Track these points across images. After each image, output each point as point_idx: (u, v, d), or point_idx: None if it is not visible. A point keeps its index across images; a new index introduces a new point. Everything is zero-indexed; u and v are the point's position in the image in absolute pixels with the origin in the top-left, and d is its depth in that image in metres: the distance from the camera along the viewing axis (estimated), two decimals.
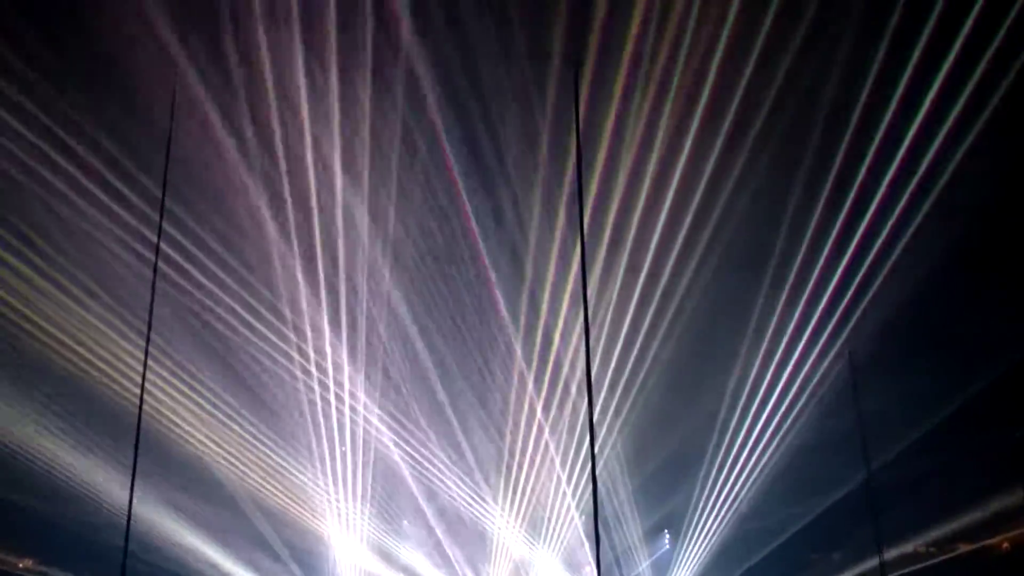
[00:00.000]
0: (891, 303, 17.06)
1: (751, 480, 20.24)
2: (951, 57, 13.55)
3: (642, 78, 14.66)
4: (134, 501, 12.74)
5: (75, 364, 18.56)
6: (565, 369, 19.39)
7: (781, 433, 19.55)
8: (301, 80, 15.40)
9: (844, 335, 18.11)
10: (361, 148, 16.38)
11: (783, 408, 19.33)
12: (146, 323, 13.59)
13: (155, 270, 14.07)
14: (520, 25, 14.55)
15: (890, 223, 16.04)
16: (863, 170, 15.48)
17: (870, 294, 17.18)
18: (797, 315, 17.88)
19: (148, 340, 13.61)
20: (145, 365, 13.52)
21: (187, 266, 17.58)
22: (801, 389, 19.00)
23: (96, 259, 17.22)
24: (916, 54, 13.70)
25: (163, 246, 14.55)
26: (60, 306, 17.83)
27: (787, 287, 17.52)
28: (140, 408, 13.27)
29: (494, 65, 14.87)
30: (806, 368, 18.70)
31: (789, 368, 18.77)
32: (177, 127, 14.02)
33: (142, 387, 13.36)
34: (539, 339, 19.30)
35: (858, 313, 17.55)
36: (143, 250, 16.33)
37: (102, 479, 19.80)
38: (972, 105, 13.98)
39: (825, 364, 18.64)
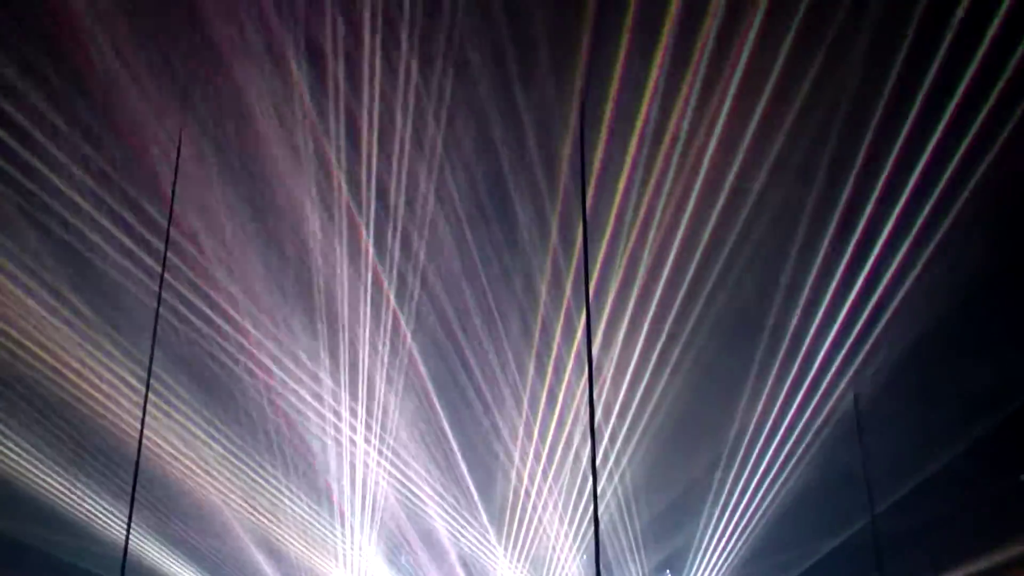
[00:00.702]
0: (897, 345, 17.01)
1: (753, 523, 20.10)
2: (952, 103, 13.66)
3: (648, 147, 14.99)
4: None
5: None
6: (571, 417, 19.48)
7: (783, 477, 19.42)
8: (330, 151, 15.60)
9: (848, 377, 18.04)
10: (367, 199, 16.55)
11: (786, 451, 19.22)
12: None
13: (159, 299, 14.26)
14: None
15: (895, 264, 16.05)
16: (867, 211, 15.54)
17: (875, 336, 17.13)
18: (801, 357, 17.84)
19: (149, 372, 13.80)
20: (147, 396, 13.66)
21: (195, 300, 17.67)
22: (804, 432, 18.89)
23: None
24: (917, 104, 13.82)
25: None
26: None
27: (791, 328, 17.49)
28: (140, 440, 13.41)
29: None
30: (810, 411, 18.60)
31: (792, 410, 18.68)
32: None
33: (143, 419, 13.50)
34: (546, 386, 19.44)
35: (863, 355, 17.49)
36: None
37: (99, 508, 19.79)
38: (977, 146, 14.05)
39: (829, 406, 18.55)
